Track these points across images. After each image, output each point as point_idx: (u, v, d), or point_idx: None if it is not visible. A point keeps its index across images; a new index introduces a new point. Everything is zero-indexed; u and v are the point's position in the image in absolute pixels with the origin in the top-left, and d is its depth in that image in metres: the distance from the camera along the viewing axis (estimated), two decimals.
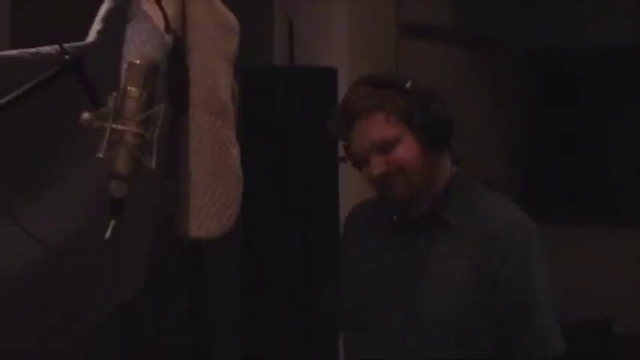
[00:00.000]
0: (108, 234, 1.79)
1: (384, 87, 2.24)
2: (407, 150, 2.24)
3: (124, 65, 2.20)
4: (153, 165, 1.80)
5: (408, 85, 2.23)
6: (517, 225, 2.27)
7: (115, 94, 1.79)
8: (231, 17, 2.73)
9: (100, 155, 1.75)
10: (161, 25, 2.49)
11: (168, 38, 2.50)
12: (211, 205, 2.68)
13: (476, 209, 2.30)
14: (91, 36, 2.38)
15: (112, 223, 1.80)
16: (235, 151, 2.77)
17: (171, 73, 2.50)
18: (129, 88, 1.79)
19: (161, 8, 2.46)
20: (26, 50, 2.27)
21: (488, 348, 2.24)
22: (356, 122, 2.25)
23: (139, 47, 2.41)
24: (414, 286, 2.28)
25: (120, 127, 1.76)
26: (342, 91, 4.08)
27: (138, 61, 1.83)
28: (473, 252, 2.24)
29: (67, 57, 1.80)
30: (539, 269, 2.27)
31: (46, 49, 2.25)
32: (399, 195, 2.29)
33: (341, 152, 2.46)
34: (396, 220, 2.36)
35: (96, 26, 2.40)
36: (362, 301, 2.40)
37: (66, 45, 1.87)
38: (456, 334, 2.24)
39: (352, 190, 2.34)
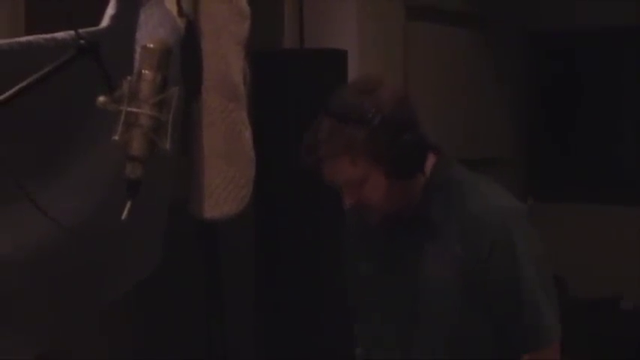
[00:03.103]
0: (125, 215, 1.82)
1: (350, 122, 2.11)
2: (374, 188, 2.17)
3: (138, 49, 2.23)
4: (168, 147, 1.83)
5: (376, 121, 2.10)
6: (501, 214, 2.21)
7: (129, 77, 1.82)
8: (243, 2, 2.76)
9: (116, 138, 1.79)
10: (174, 10, 2.53)
11: (181, 22, 2.53)
12: (225, 186, 2.72)
13: (457, 202, 2.24)
14: (105, 21, 2.41)
15: (129, 204, 1.83)
16: (248, 133, 2.81)
17: (185, 57, 2.53)
18: (143, 71, 1.82)
19: None
20: (41, 36, 2.31)
21: (489, 343, 2.24)
22: (323, 163, 2.18)
23: (152, 31, 2.44)
24: (409, 287, 2.27)
25: (135, 109, 1.79)
26: (351, 72, 4.13)
27: (151, 45, 1.85)
28: (459, 247, 2.21)
29: (82, 41, 1.83)
30: (528, 255, 2.21)
31: (60, 34, 2.28)
32: (371, 222, 2.27)
33: None
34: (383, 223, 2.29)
35: (110, 11, 2.43)
36: (362, 300, 2.42)
37: (80, 30, 1.90)
38: (454, 332, 2.24)
39: None
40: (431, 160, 2.27)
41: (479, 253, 2.19)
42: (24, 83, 1.78)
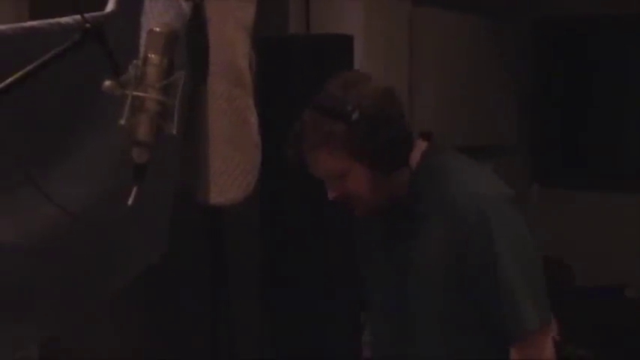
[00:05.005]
0: (131, 200, 1.81)
1: (329, 116, 2.16)
2: (355, 181, 2.20)
3: (144, 34, 2.22)
4: (174, 131, 1.82)
5: (355, 116, 2.12)
6: (478, 201, 2.19)
7: (135, 61, 1.80)
8: None
9: (122, 122, 1.78)
10: None
11: (187, 7, 2.51)
12: (230, 172, 2.71)
13: (441, 190, 2.23)
14: (110, 6, 2.40)
15: (135, 189, 1.82)
16: (253, 119, 2.80)
17: (191, 42, 2.52)
18: (149, 55, 1.81)
19: None
20: (46, 21, 2.29)
21: (478, 331, 2.23)
22: (304, 154, 2.23)
23: (158, 16, 2.43)
24: (401, 278, 2.29)
25: (141, 94, 1.78)
26: (357, 58, 4.11)
27: (158, 29, 1.85)
28: (442, 234, 2.21)
29: (87, 25, 1.81)
30: (506, 243, 2.17)
31: (65, 19, 2.27)
32: (357, 213, 2.30)
33: None
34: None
35: None
36: (369, 291, 2.46)
37: (85, 14, 1.88)
38: (444, 320, 2.24)
39: None
40: (420, 149, 2.28)
41: (458, 240, 2.19)
42: (28, 68, 1.77)
